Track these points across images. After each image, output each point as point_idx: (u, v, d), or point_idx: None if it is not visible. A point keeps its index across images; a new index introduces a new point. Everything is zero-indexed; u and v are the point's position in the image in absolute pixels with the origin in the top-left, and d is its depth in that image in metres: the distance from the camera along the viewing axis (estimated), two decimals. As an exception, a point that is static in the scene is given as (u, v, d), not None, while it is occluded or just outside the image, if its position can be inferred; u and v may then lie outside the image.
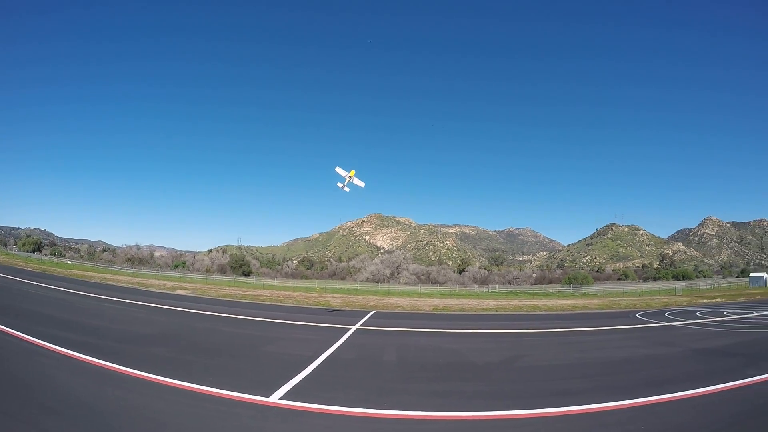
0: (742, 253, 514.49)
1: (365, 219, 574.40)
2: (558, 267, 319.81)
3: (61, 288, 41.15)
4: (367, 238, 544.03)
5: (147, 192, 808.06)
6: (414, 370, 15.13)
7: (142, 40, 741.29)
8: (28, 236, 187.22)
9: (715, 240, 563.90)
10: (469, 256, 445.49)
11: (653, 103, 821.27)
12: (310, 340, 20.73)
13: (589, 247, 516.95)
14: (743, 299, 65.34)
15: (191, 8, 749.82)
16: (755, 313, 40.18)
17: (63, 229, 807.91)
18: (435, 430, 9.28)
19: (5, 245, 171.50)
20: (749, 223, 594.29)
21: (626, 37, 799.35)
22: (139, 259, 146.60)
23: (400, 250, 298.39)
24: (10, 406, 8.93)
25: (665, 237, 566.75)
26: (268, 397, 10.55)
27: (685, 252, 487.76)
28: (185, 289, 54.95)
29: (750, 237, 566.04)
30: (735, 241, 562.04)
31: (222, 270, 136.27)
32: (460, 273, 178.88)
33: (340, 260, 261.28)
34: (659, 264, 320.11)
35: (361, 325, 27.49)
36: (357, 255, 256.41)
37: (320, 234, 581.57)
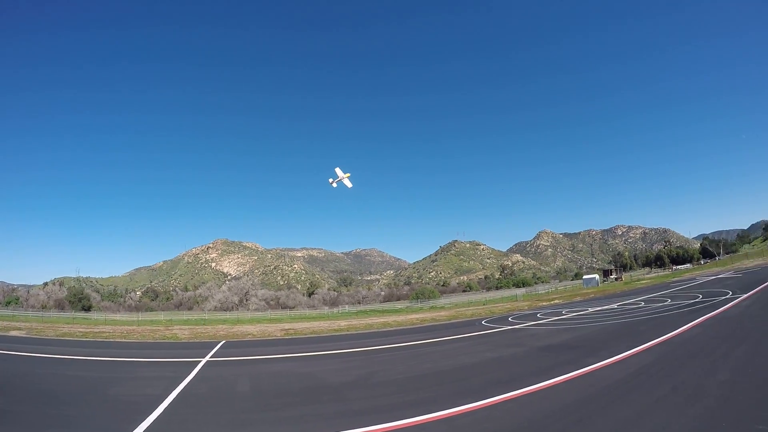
0: (575, 259, 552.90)
1: (211, 245, 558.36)
2: (405, 284, 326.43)
3: None
4: (213, 264, 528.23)
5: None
6: (269, 398, 14.37)
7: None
8: None
9: (549, 250, 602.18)
10: (318, 278, 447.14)
11: (484, 128, 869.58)
12: (159, 377, 19.24)
13: (434, 263, 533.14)
14: (579, 299, 69.23)
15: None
16: (590, 310, 42.54)
17: None
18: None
19: None
20: (579, 233, 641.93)
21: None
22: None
23: (248, 275, 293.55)
24: None
25: (504, 250, 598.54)
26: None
27: (523, 262, 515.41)
28: (19, 329, 50.16)
29: (581, 245, 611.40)
30: (568, 250, 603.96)
31: (60, 305, 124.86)
32: (309, 296, 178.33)
33: (186, 289, 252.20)
34: (500, 274, 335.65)
35: (211, 357, 26.21)
36: (204, 283, 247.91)
37: (164, 262, 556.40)
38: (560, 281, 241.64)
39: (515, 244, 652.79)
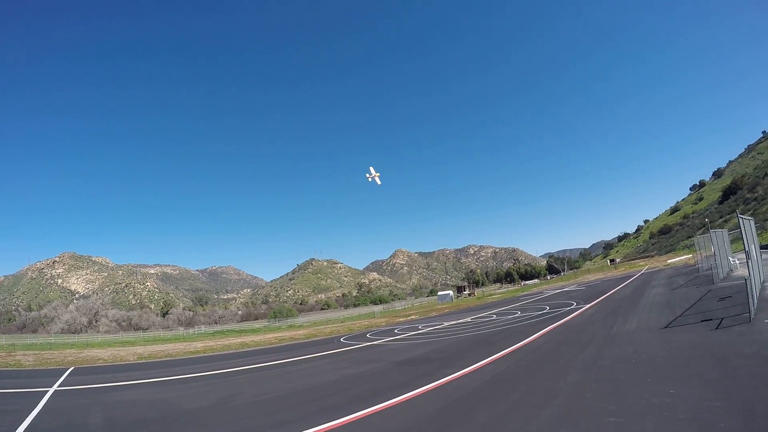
0: (430, 277, 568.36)
1: (57, 259, 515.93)
2: (263, 302, 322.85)
3: None
4: (60, 281, 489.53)
5: None
6: (124, 429, 13.42)
7: None
8: None
9: (405, 268, 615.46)
10: (172, 297, 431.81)
11: (339, 149, 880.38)
12: (3, 411, 17.66)
13: (292, 282, 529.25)
14: (434, 314, 70.92)
15: None
16: (445, 324, 43.62)
17: None
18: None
19: None
20: (434, 252, 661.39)
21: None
22: None
23: (98, 294, 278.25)
24: None
25: (361, 268, 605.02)
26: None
27: (380, 280, 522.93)
28: None
29: (435, 263, 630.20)
30: (423, 268, 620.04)
31: None
32: (164, 316, 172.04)
33: (30, 309, 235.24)
34: (358, 292, 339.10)
35: (59, 386, 24.36)
36: (49, 302, 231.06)
37: (5, 277, 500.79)
38: (416, 298, 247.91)
39: (372, 263, 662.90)
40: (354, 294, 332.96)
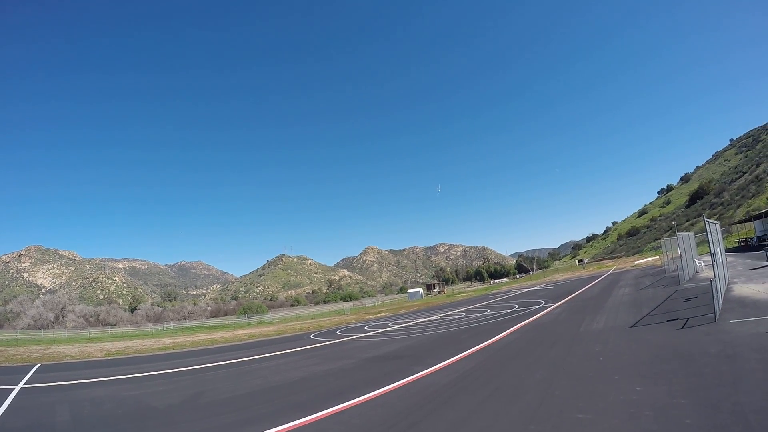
0: (400, 274, 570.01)
1: (23, 252, 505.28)
2: (233, 298, 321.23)
3: None
4: (26, 275, 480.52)
5: None
6: (91, 427, 13.09)
7: None
8: None
9: (376, 265, 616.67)
10: (141, 292, 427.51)
11: (308, 140, 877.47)
12: None
13: (262, 278, 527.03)
14: (404, 311, 70.93)
15: None
16: (415, 321, 43.70)
17: None
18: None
19: None
20: (404, 249, 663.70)
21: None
22: None
23: (65, 288, 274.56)
24: None
25: (332, 265, 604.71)
26: None
27: (350, 277, 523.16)
28: None
29: (405, 261, 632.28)
30: (393, 265, 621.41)
31: None
32: (132, 311, 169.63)
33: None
34: (328, 289, 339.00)
35: (26, 383, 23.86)
36: (15, 297, 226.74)
37: None
38: (386, 295, 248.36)
39: (342, 260, 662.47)
40: (324, 291, 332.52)
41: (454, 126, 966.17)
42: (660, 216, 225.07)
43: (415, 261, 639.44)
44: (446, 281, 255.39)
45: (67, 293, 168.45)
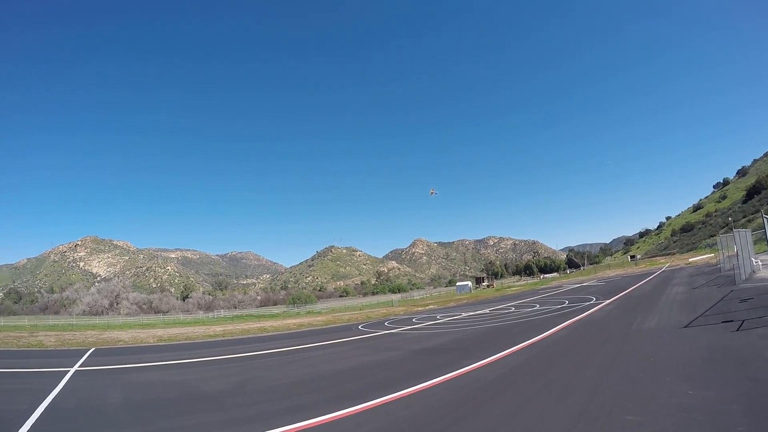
0: (449, 267, 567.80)
1: (79, 242, 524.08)
2: (282, 288, 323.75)
3: None
4: (82, 264, 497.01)
5: None
6: (143, 409, 13.50)
7: None
8: None
9: (424, 257, 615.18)
10: (192, 281, 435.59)
11: (360, 132, 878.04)
12: (24, 390, 17.45)
13: (311, 268, 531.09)
14: (453, 304, 70.79)
15: None
16: (464, 314, 43.49)
17: None
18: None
19: None
20: (453, 242, 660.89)
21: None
22: None
23: (119, 277, 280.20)
24: None
25: (381, 256, 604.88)
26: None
27: (399, 269, 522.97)
28: None
29: (454, 254, 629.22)
30: (442, 258, 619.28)
31: None
32: (183, 300, 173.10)
33: (52, 291, 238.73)
34: (376, 280, 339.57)
35: (80, 366, 24.43)
36: (71, 284, 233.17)
37: (28, 260, 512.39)
38: (435, 288, 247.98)
39: (391, 251, 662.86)
40: (373, 282, 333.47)
41: (504, 120, 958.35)
42: (716, 211, 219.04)
43: (464, 254, 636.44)
44: (495, 275, 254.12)
45: (121, 281, 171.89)
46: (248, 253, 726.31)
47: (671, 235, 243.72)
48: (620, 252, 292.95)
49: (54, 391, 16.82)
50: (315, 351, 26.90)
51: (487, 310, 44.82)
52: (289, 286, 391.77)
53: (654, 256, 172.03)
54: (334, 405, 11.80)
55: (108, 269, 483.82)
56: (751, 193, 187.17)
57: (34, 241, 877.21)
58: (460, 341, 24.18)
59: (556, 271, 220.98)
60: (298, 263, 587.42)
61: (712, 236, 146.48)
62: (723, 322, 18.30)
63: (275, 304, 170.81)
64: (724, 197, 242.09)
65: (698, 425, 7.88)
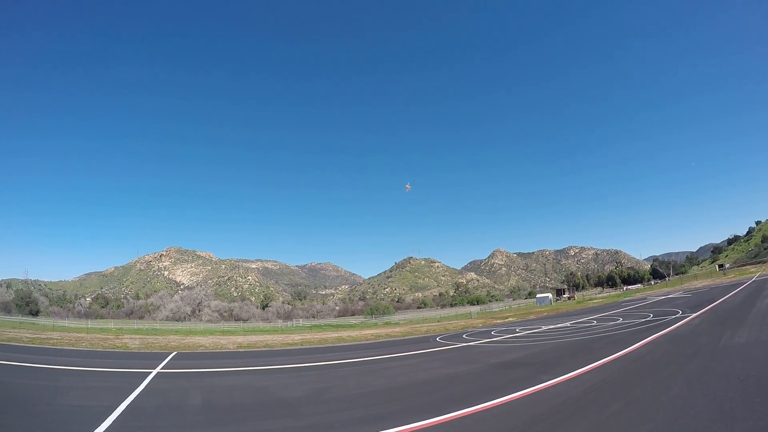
0: (529, 279, 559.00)
1: (164, 252, 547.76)
2: (360, 299, 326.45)
3: None
4: (166, 273, 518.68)
5: None
6: (221, 412, 13.93)
7: None
8: None
9: (504, 268, 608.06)
10: (272, 291, 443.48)
11: (439, 145, 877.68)
12: (108, 388, 18.43)
13: (389, 279, 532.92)
14: (532, 317, 69.90)
15: None
16: (544, 328, 42.84)
17: None
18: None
19: None
20: (533, 253, 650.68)
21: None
22: None
23: (201, 286, 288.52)
24: None
25: (459, 268, 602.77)
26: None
27: (477, 280, 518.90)
28: None
29: (535, 265, 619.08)
30: (522, 269, 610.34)
31: (5, 308, 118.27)
32: (263, 308, 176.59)
33: (137, 297, 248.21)
34: (455, 292, 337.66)
35: (162, 368, 25.36)
36: (156, 292, 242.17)
37: (116, 268, 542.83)
38: (514, 300, 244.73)
39: (469, 263, 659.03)
40: (451, 293, 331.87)
41: (590, 131, 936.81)
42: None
43: (544, 265, 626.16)
44: (576, 286, 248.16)
45: (203, 290, 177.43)
46: (327, 264, 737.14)
47: (761, 242, 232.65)
48: (707, 261, 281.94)
49: (136, 390, 17.50)
50: (392, 362, 26.91)
51: (567, 324, 43.92)
52: (367, 296, 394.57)
53: (743, 265, 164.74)
54: (409, 417, 11.76)
55: (191, 278, 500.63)
56: None
57: (122, 250, 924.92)
58: (539, 355, 23.73)
59: (640, 282, 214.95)
60: (376, 274, 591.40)
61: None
62: (820, 339, 17.34)
63: (353, 314, 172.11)
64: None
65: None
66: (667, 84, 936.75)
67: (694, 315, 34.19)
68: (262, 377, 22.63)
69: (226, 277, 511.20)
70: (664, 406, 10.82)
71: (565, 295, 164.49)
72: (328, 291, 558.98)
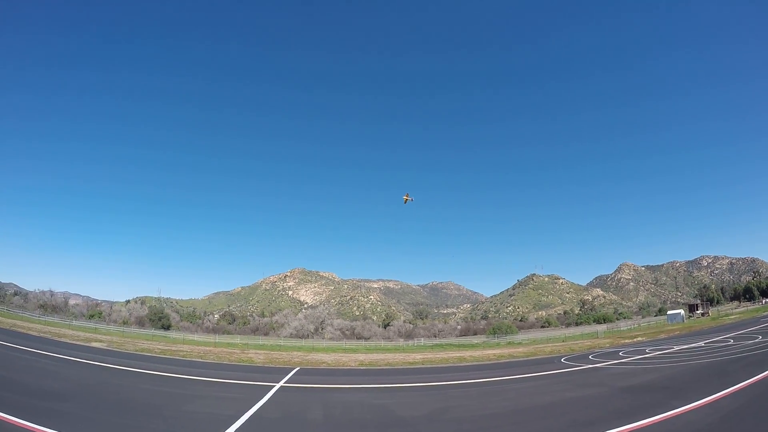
0: (659, 293, 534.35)
1: (288, 273, 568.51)
2: (482, 318, 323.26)
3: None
4: (290, 292, 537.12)
5: (63, 234, 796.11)
6: (339, 426, 14.47)
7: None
8: None
9: (632, 283, 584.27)
10: (394, 310, 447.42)
11: (562, 158, 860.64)
12: (233, 398, 19.67)
13: (512, 298, 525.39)
14: (663, 336, 67.06)
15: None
16: (675, 348, 41.03)
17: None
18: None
19: None
20: (662, 265, 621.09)
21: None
22: (52, 306, 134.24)
23: (324, 305, 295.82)
24: None
25: (584, 284, 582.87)
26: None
27: (604, 296, 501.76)
28: (101, 341, 51.74)
29: (664, 278, 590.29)
30: (651, 283, 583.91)
31: (140, 322, 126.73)
32: (385, 327, 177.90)
33: (263, 315, 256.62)
34: (580, 309, 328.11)
35: (285, 383, 26.28)
36: (280, 310, 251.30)
37: (242, 288, 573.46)
38: (643, 317, 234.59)
39: (595, 278, 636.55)
40: (576, 311, 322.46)
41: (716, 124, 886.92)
42: None
43: (675, 278, 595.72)
44: (711, 300, 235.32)
45: (326, 309, 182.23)
46: (448, 283, 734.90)
47: None
48: None
49: (260, 402, 18.30)
50: (514, 383, 26.55)
51: (701, 343, 41.82)
52: (489, 315, 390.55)
53: None
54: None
55: (314, 298, 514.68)
56: None
57: (248, 271, 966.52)
58: (671, 379, 22.80)
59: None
60: (498, 293, 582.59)
61: None
62: None
63: (475, 333, 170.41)
64: None
65: None
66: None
67: None
68: (382, 395, 22.84)
69: (348, 297, 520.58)
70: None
71: (698, 311, 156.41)
72: (449, 310, 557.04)
